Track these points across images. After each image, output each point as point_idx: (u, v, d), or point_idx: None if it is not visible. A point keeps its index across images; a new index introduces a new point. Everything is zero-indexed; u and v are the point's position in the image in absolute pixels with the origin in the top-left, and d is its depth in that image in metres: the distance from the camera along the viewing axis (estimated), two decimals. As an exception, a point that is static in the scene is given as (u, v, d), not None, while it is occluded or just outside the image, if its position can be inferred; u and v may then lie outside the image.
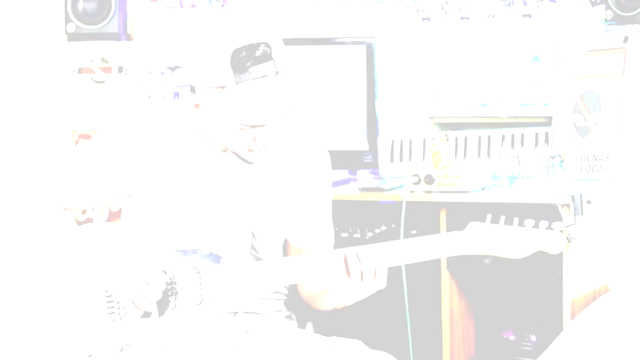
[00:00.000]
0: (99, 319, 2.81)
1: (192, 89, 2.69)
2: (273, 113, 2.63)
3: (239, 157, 2.75)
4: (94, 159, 2.82)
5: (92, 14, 4.22)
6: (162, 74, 4.23)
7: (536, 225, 2.68)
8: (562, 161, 3.37)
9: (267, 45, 2.58)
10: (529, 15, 3.66)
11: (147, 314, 2.74)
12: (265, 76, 2.58)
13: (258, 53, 2.57)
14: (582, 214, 3.18)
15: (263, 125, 2.65)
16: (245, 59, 2.56)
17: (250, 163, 2.76)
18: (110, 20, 4.22)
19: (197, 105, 2.69)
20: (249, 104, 2.61)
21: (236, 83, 2.58)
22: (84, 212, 4.09)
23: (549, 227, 2.68)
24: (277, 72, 2.60)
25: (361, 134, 3.83)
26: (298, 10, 4.07)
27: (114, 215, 4.42)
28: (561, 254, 3.21)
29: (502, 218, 2.69)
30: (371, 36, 3.83)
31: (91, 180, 2.83)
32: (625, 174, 3.31)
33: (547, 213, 2.84)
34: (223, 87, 2.61)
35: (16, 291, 2.93)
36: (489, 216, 2.69)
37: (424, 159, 3.76)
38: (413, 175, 3.42)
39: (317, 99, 3.86)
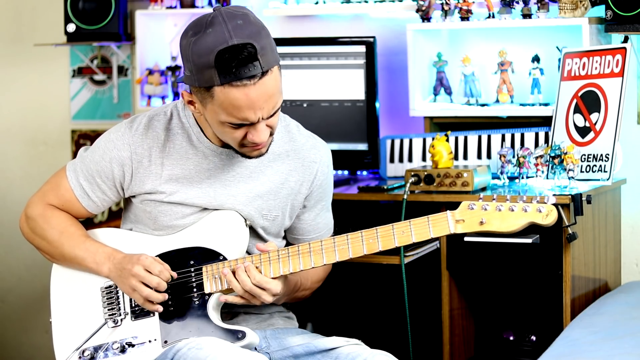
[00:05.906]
0: (99, 319, 2.82)
1: (188, 87, 2.70)
2: (259, 112, 2.63)
3: (237, 152, 2.75)
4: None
5: (92, 14, 4.21)
6: (162, 74, 4.23)
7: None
8: (562, 161, 3.37)
9: (252, 46, 2.56)
10: (529, 15, 3.65)
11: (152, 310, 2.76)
12: (251, 76, 2.58)
13: (243, 54, 2.55)
14: (582, 214, 3.18)
15: (251, 124, 2.65)
16: (229, 60, 2.56)
17: (249, 157, 2.76)
18: (110, 20, 4.21)
19: (192, 103, 2.70)
20: (233, 104, 2.60)
21: (221, 84, 2.59)
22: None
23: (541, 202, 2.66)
24: (263, 72, 2.59)
25: (361, 134, 3.83)
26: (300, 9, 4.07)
27: (114, 216, 4.43)
28: (561, 254, 3.22)
29: (494, 195, 2.68)
30: (371, 36, 3.83)
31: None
32: None
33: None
34: (210, 87, 2.61)
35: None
36: (482, 195, 2.68)
37: (423, 159, 3.77)
38: (413, 175, 3.42)
39: (317, 99, 3.87)
